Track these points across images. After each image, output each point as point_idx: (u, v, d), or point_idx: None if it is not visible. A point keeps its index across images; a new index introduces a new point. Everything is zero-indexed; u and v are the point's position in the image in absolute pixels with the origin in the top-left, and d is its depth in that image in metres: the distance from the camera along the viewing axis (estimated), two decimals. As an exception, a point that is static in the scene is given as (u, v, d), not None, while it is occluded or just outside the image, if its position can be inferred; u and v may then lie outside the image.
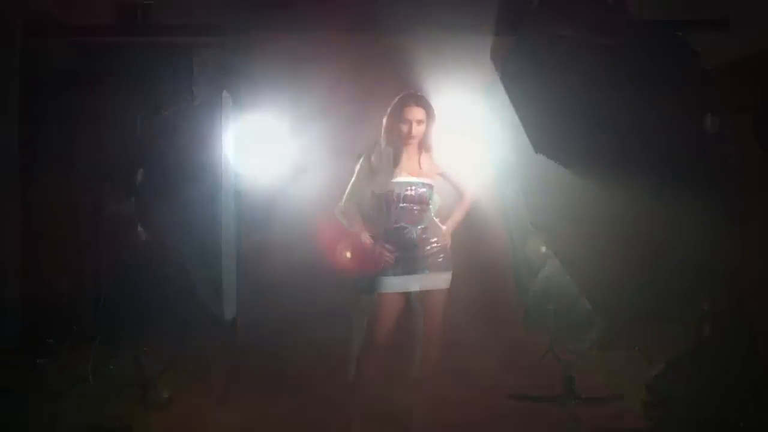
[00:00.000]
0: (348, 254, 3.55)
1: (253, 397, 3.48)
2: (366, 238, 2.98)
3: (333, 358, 3.72)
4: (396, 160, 2.90)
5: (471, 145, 3.43)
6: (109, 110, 3.92)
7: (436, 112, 2.93)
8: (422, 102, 2.88)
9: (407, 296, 2.94)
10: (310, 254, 3.83)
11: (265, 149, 3.87)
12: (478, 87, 3.37)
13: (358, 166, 2.98)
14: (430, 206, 2.96)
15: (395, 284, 2.89)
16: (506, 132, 3.10)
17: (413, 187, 2.89)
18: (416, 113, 2.85)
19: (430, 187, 2.94)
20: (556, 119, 2.69)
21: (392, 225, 2.90)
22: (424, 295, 2.94)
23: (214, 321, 3.83)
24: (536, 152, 2.71)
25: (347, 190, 3.03)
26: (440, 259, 2.94)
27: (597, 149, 2.67)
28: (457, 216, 3.06)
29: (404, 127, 2.85)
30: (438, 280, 2.94)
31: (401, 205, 2.88)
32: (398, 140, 2.89)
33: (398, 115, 2.86)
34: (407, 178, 2.89)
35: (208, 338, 3.98)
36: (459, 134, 3.42)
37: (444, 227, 3.00)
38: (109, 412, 3.25)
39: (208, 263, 3.70)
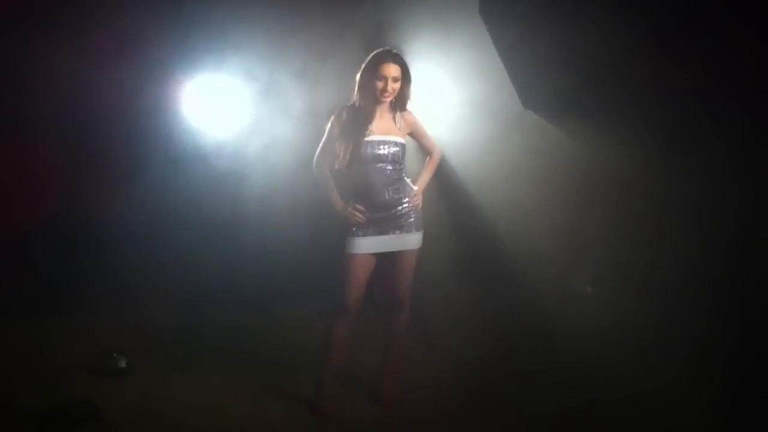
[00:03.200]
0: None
1: (217, 366, 3.38)
2: (337, 199, 2.92)
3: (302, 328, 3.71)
4: (369, 118, 2.83)
5: (444, 103, 3.40)
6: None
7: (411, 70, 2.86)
8: (398, 59, 2.80)
9: (378, 257, 2.90)
10: (288, 221, 3.76)
11: (234, 111, 3.74)
12: (452, 42, 3.30)
13: (329, 125, 2.90)
14: (403, 165, 2.92)
15: (367, 245, 2.85)
16: (482, 89, 3.07)
17: (386, 146, 2.83)
18: (392, 70, 2.77)
19: (403, 146, 2.88)
20: (546, 68, 2.59)
21: (364, 185, 2.84)
22: (395, 255, 2.91)
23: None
24: (525, 107, 2.65)
25: (318, 150, 2.95)
26: (412, 220, 2.90)
27: (593, 104, 2.58)
28: (427, 175, 3.04)
29: (379, 84, 2.77)
30: (410, 241, 2.91)
31: (373, 164, 2.82)
32: (372, 97, 2.81)
33: (373, 72, 2.77)
34: (380, 136, 2.83)
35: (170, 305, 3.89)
36: (432, 93, 3.38)
37: (415, 187, 2.97)
38: (64, 386, 3.10)
39: (177, 233, 3.61)
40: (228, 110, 3.77)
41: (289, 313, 4.09)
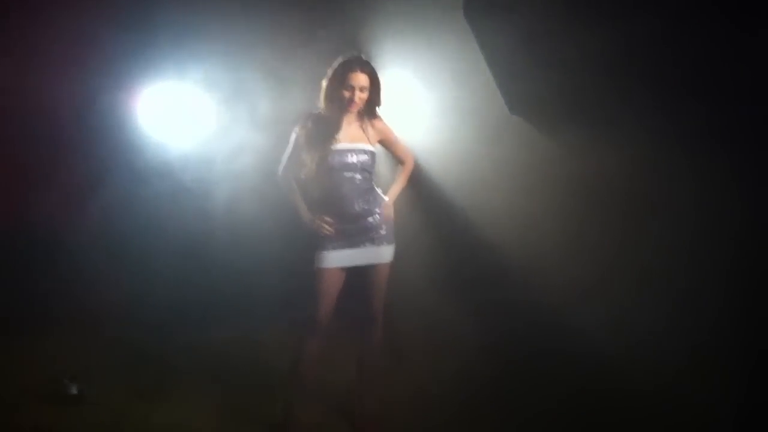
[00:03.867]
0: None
1: (180, 390, 3.19)
2: (304, 210, 2.78)
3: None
4: (336, 126, 2.70)
5: (421, 109, 3.28)
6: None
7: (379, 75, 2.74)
8: (367, 68, 2.68)
9: (348, 271, 2.76)
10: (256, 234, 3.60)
11: (196, 121, 3.57)
12: (430, 43, 3.18)
13: (293, 134, 2.76)
14: (373, 175, 2.79)
15: (337, 259, 2.71)
16: (464, 93, 2.95)
17: (354, 155, 2.70)
18: (360, 79, 2.65)
19: (373, 154, 2.76)
20: (536, 71, 2.42)
21: (332, 195, 2.71)
22: (366, 269, 2.77)
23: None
24: (511, 113, 2.52)
25: (283, 160, 2.81)
26: (383, 232, 2.78)
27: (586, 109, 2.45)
28: (399, 185, 2.92)
29: (346, 94, 2.65)
30: (381, 254, 2.78)
31: (342, 173, 2.69)
32: (339, 107, 2.68)
33: (340, 81, 2.65)
34: (348, 144, 2.70)
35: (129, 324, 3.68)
36: (408, 97, 3.27)
37: (386, 198, 2.84)
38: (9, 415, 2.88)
39: (135, 248, 3.43)
40: (190, 119, 3.61)
41: (257, 329, 3.91)
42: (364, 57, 2.72)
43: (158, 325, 3.70)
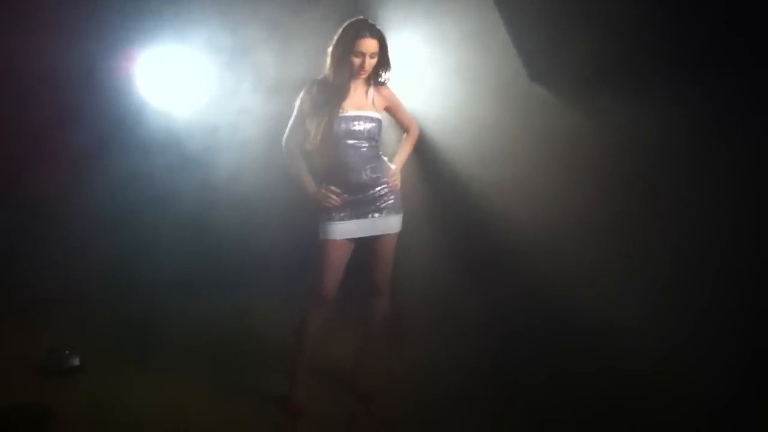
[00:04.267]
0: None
1: (178, 362, 3.16)
2: (309, 180, 2.72)
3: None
4: (342, 93, 2.61)
5: (431, 74, 3.19)
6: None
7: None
8: (376, 32, 2.56)
9: (355, 242, 2.72)
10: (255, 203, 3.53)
11: (196, 86, 3.46)
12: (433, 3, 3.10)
13: (298, 101, 2.68)
14: (379, 143, 2.73)
15: (344, 230, 2.64)
16: (477, 57, 2.85)
17: (361, 122, 2.62)
18: (370, 45, 2.54)
19: (380, 121, 2.68)
20: (560, 34, 2.28)
21: (338, 165, 2.65)
22: (374, 240, 2.72)
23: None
24: (531, 80, 2.41)
25: (287, 129, 2.73)
26: (391, 201, 2.72)
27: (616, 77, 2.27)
28: (405, 153, 2.85)
29: (356, 61, 2.55)
30: (389, 224, 2.72)
31: (348, 141, 2.63)
32: (347, 73, 2.59)
33: (349, 47, 2.54)
34: (354, 111, 2.63)
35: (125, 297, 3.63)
36: (417, 62, 3.18)
37: (393, 166, 2.79)
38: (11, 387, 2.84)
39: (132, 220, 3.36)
40: (191, 85, 3.49)
41: (257, 300, 3.87)
42: (370, 21, 2.62)
43: (159, 296, 3.67)
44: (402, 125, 2.86)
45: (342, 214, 2.65)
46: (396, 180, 2.75)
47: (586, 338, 2.61)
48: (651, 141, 2.29)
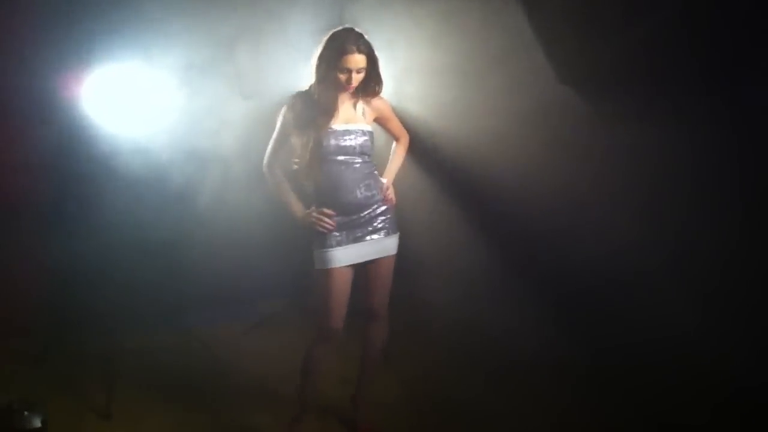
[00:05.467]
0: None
1: (150, 406, 2.87)
2: (296, 205, 2.48)
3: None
4: (330, 107, 2.37)
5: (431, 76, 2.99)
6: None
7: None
8: (364, 47, 2.31)
9: (354, 267, 2.49)
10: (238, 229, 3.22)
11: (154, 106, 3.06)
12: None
13: (280, 117, 2.42)
14: (371, 158, 2.50)
15: (343, 257, 2.42)
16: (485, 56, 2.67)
17: (352, 136, 2.39)
18: (357, 61, 2.30)
19: (371, 134, 2.46)
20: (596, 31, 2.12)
21: (330, 184, 2.41)
22: (372, 264, 2.50)
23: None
24: (561, 82, 2.25)
25: (269, 148, 2.47)
26: (388, 220, 2.51)
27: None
28: (397, 163, 2.64)
29: (342, 77, 2.32)
30: (388, 245, 2.52)
31: (339, 158, 2.39)
32: (332, 88, 2.36)
33: (334, 63, 2.30)
34: (344, 125, 2.39)
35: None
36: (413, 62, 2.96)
37: (384, 180, 2.57)
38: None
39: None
40: (147, 104, 3.10)
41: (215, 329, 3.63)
42: (357, 30, 2.35)
43: (116, 327, 3.36)
44: (393, 135, 2.65)
45: (338, 239, 2.42)
46: (390, 194, 2.55)
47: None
48: (677, 146, 2.21)
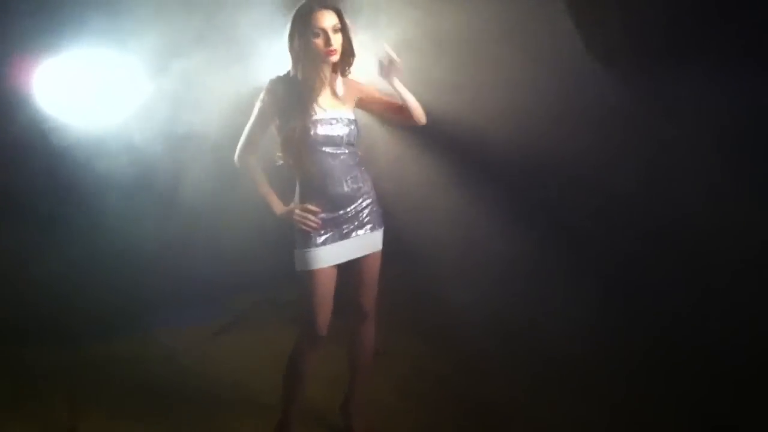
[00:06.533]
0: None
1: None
2: (275, 198, 2.26)
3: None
4: (314, 90, 2.15)
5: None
6: None
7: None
8: (329, 3, 2.12)
9: (339, 267, 2.28)
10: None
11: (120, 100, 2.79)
12: None
13: (258, 104, 2.19)
14: (357, 148, 2.29)
15: (328, 256, 2.22)
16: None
17: (338, 125, 2.19)
18: (328, 17, 2.09)
19: (356, 123, 2.25)
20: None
21: (315, 177, 2.20)
22: (359, 261, 2.31)
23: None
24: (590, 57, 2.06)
25: (242, 138, 2.24)
26: (374, 214, 2.32)
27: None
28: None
29: (319, 42, 2.09)
30: (374, 241, 2.33)
31: (325, 149, 2.18)
32: (315, 61, 2.13)
33: (306, 28, 2.09)
34: (331, 111, 2.19)
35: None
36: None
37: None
38: None
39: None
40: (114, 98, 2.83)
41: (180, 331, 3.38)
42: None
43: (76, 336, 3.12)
44: (390, 109, 2.33)
45: (324, 237, 2.22)
46: (372, 188, 2.34)
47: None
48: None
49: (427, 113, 2.31)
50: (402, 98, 2.25)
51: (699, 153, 2.23)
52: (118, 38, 2.66)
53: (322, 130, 2.15)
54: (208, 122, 2.77)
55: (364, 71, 2.28)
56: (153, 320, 3.41)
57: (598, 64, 2.26)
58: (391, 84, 2.23)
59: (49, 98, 2.70)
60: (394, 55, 2.18)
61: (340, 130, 2.19)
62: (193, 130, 2.83)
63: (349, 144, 2.23)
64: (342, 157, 2.21)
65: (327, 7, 2.11)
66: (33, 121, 2.71)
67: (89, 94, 2.77)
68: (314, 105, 2.15)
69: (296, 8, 2.13)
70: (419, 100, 2.28)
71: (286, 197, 2.27)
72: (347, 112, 2.24)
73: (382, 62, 2.20)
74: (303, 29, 2.10)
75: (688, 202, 2.33)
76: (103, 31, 2.62)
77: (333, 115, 2.19)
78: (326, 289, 2.23)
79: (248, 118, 2.22)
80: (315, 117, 2.15)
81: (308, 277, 2.21)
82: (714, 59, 2.02)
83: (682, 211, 2.37)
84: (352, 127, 2.22)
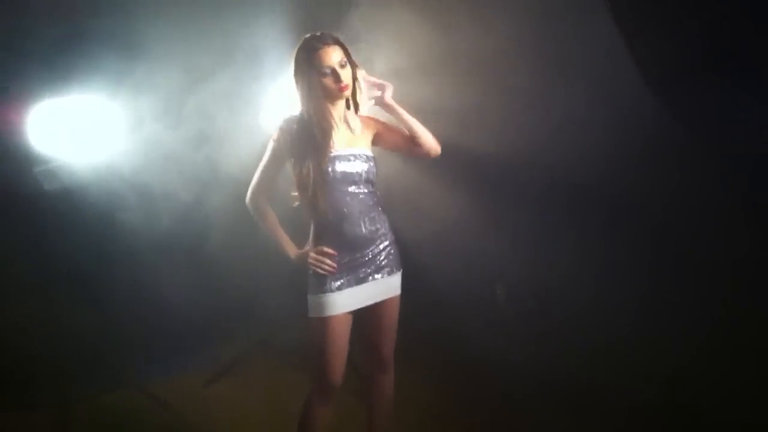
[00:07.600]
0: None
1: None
2: (288, 241, 2.13)
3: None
4: (328, 126, 2.03)
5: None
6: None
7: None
8: (329, 38, 2.01)
9: (354, 314, 2.14)
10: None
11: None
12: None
13: (271, 143, 2.07)
14: (375, 186, 2.17)
15: (343, 302, 2.07)
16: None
17: (357, 162, 2.07)
18: (333, 55, 1.99)
19: (375, 160, 2.14)
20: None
21: (333, 218, 2.06)
22: (376, 306, 2.16)
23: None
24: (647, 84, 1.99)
25: (255, 179, 2.12)
26: (392, 257, 2.18)
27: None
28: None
29: (328, 81, 1.99)
30: (392, 285, 2.19)
31: (343, 189, 2.06)
32: (324, 101, 2.03)
33: (311, 67, 1.98)
34: (347, 149, 2.07)
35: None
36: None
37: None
38: None
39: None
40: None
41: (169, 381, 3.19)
42: (318, 33, 2.03)
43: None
44: (407, 142, 2.19)
45: (339, 282, 2.08)
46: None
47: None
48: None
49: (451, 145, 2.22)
50: (407, 126, 2.15)
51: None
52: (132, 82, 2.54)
53: (340, 167, 2.04)
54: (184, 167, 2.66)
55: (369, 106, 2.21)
56: (146, 370, 3.22)
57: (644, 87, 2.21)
58: (391, 112, 2.14)
59: (53, 141, 2.57)
60: (374, 79, 2.12)
61: (359, 167, 2.07)
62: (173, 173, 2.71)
63: (368, 182, 2.11)
64: (361, 196, 2.09)
65: (329, 43, 2.01)
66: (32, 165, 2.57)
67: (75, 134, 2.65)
68: (330, 142, 2.04)
69: (296, 48, 2.04)
70: (438, 132, 2.18)
71: (295, 241, 2.15)
72: (365, 149, 2.13)
73: (371, 91, 2.12)
74: (309, 70, 2.00)
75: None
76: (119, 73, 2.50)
77: (351, 152, 2.07)
78: (341, 336, 2.09)
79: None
80: (333, 154, 2.03)
81: (321, 324, 2.06)
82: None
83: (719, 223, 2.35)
84: (371, 164, 2.11)
